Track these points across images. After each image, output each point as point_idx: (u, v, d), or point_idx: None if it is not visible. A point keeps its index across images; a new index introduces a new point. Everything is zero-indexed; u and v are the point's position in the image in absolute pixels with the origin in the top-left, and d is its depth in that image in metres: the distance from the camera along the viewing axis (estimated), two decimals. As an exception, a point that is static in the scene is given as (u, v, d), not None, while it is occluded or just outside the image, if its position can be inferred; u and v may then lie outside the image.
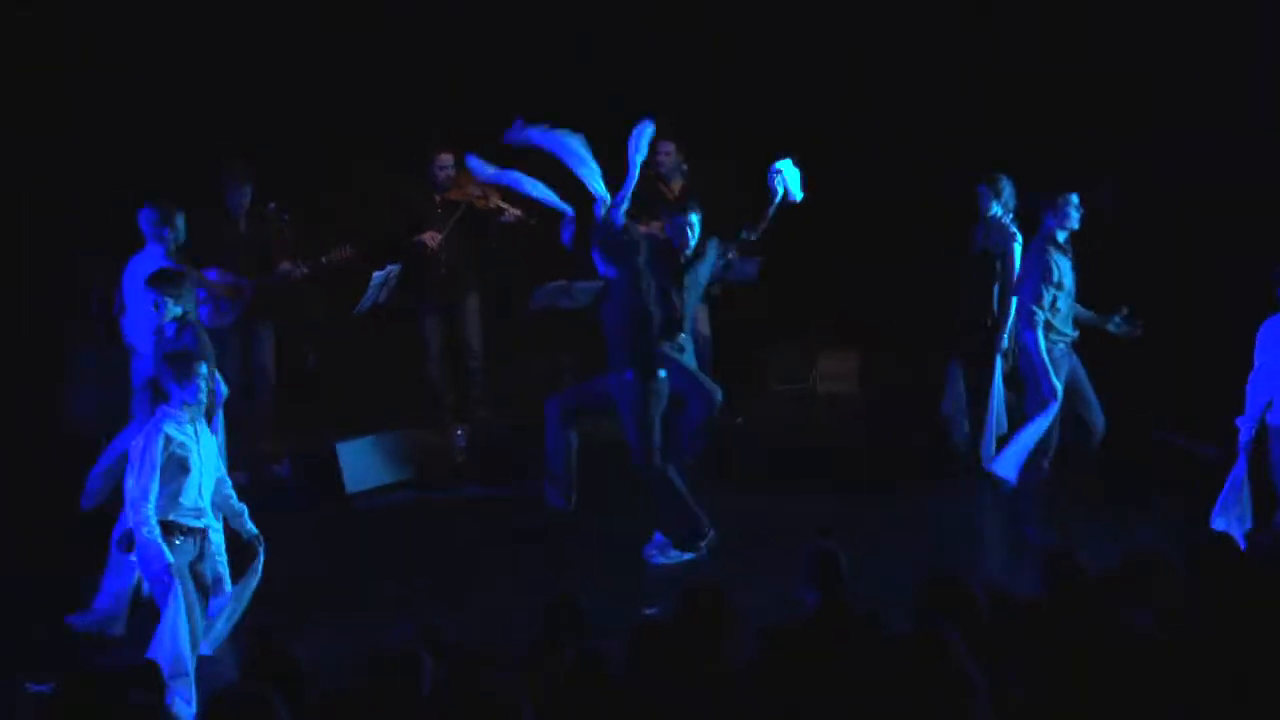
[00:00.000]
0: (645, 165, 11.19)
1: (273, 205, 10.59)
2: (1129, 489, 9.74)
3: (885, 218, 12.09)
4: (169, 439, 7.39)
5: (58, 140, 10.96)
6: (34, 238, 10.89)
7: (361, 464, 10.35)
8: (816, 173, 11.79)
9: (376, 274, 10.33)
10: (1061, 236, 9.19)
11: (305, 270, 10.53)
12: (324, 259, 10.51)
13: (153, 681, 6.24)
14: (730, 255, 10.85)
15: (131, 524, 7.42)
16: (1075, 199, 9.18)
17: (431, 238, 10.86)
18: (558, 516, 9.43)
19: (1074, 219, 9.19)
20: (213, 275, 10.42)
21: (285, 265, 10.50)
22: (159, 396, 7.51)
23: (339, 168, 11.41)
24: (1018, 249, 9.93)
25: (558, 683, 5.75)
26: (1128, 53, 11.50)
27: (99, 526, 9.53)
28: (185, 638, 7.32)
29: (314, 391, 11.24)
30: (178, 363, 7.51)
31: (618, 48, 12.03)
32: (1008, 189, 10.07)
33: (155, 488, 7.37)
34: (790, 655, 6.12)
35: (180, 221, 9.36)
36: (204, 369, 7.53)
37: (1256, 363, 8.48)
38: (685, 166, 11.33)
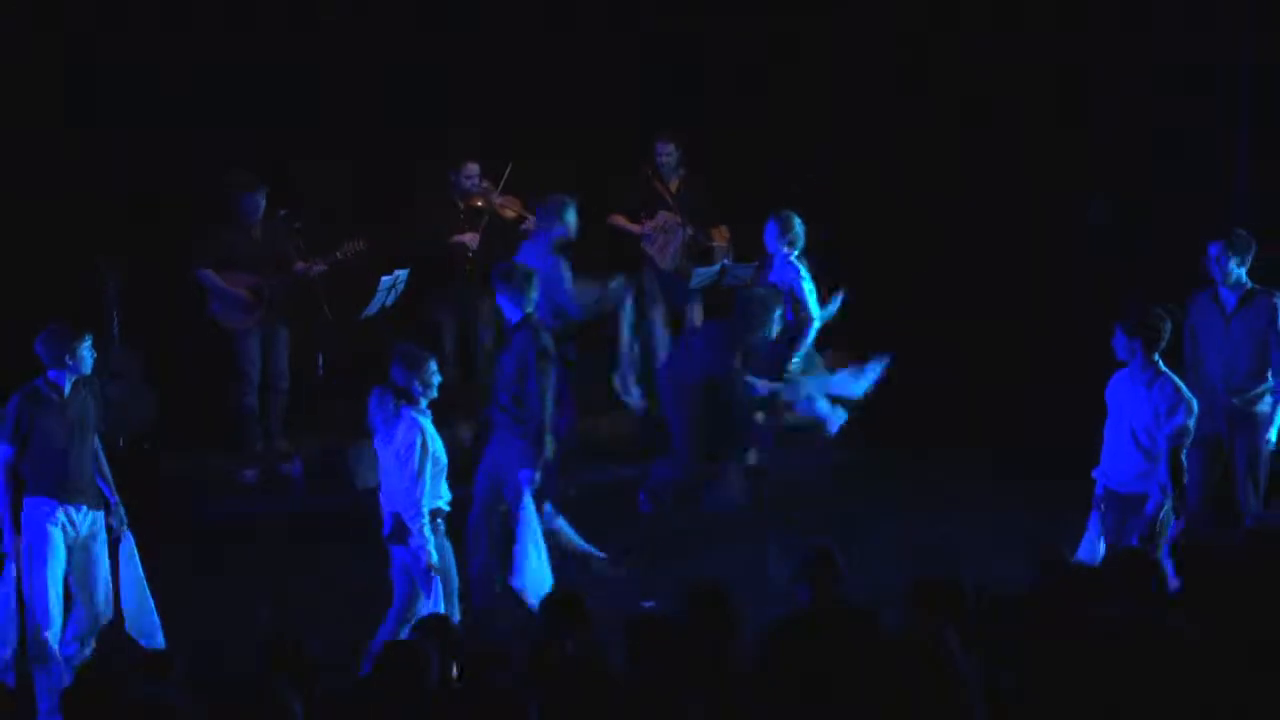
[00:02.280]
0: (644, 164, 11.48)
1: (283, 213, 10.76)
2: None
3: (882, 220, 12.23)
4: (424, 434, 7.63)
5: (68, 142, 11.04)
6: (43, 240, 10.93)
7: (370, 463, 10.41)
8: (813, 174, 12.04)
9: (384, 278, 10.45)
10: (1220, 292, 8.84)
11: (321, 268, 10.72)
12: (338, 254, 10.68)
13: (162, 672, 6.41)
14: (726, 260, 11.09)
15: (409, 522, 7.65)
16: (1211, 251, 8.80)
17: (471, 238, 11.06)
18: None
19: (1214, 273, 8.84)
20: (234, 279, 10.64)
21: (300, 265, 10.71)
22: (400, 395, 7.68)
23: (361, 173, 11.55)
24: (804, 286, 10.00)
25: (559, 676, 5.84)
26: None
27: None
28: None
29: (324, 392, 11.38)
30: (414, 361, 7.72)
31: (620, 55, 12.19)
32: (797, 226, 10.05)
33: (426, 484, 7.62)
34: (785, 650, 6.17)
35: (570, 216, 9.74)
36: (435, 364, 7.76)
37: (1110, 417, 8.09)
38: (683, 171, 11.53)
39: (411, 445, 7.60)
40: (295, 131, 11.45)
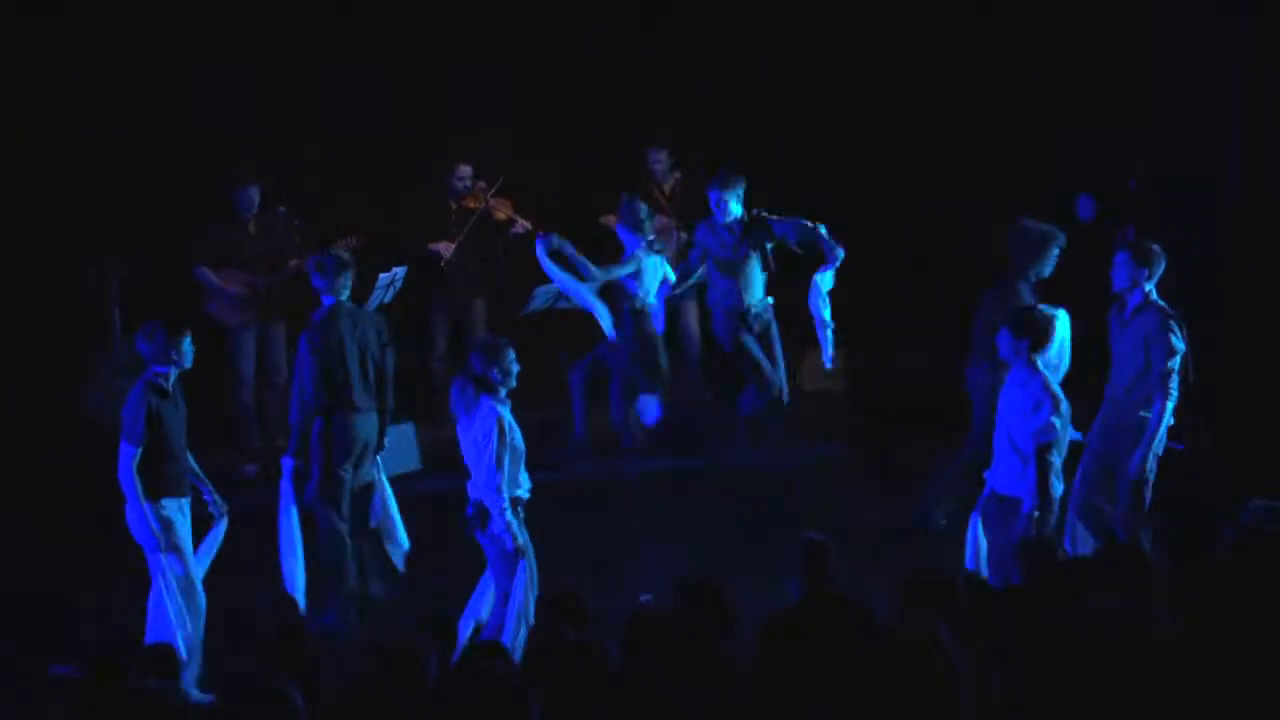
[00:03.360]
0: (640, 171, 11.57)
1: (282, 210, 10.81)
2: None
3: (871, 217, 12.26)
4: (503, 422, 7.68)
5: (68, 142, 11.11)
6: (44, 238, 11.02)
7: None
8: (804, 173, 12.09)
9: (382, 275, 10.44)
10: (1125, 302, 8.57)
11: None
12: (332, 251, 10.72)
13: (167, 666, 6.42)
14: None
15: (490, 507, 7.71)
16: (1116, 260, 8.59)
17: (445, 248, 11.11)
18: (554, 511, 9.63)
19: (1115, 282, 8.64)
20: (229, 276, 10.69)
21: (295, 262, 10.76)
22: (481, 385, 7.72)
23: (354, 173, 11.57)
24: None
25: (557, 671, 5.86)
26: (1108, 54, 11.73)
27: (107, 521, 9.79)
28: (530, 610, 7.68)
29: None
30: (492, 350, 7.77)
31: (617, 62, 12.23)
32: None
33: (506, 472, 7.68)
34: (778, 643, 6.15)
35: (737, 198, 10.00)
36: (513, 354, 7.81)
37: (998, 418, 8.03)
38: (678, 173, 11.62)
39: (489, 433, 7.63)
40: (293, 130, 11.48)
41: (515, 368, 7.77)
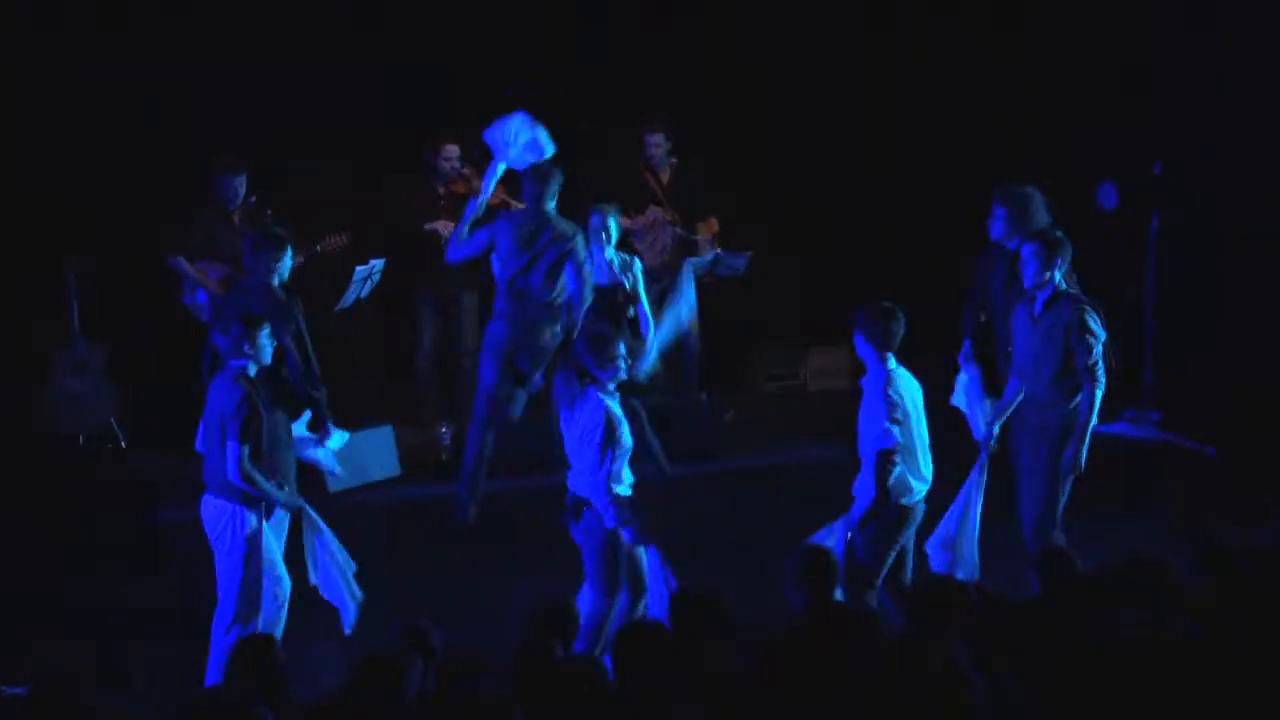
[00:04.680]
0: (636, 156, 11.28)
1: (253, 200, 10.58)
2: (1125, 488, 9.67)
3: (873, 213, 12.20)
4: (611, 415, 7.47)
5: (39, 139, 10.96)
6: (10, 236, 10.90)
7: (344, 463, 10.24)
8: (805, 169, 11.91)
9: (359, 269, 10.23)
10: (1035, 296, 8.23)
11: (300, 259, 10.47)
12: (319, 247, 10.47)
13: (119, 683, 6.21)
14: (718, 250, 10.93)
15: (599, 504, 7.46)
16: (1025, 252, 8.19)
17: (444, 225, 10.83)
18: (543, 515, 9.40)
19: (1025, 275, 8.23)
20: (207, 268, 10.46)
21: None
22: (588, 378, 7.50)
23: (338, 160, 11.36)
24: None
25: (547, 685, 5.75)
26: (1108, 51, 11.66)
27: (79, 524, 9.63)
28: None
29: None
30: (599, 341, 7.56)
31: (613, 40, 12.08)
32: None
33: (613, 466, 7.46)
34: (783, 657, 6.10)
35: None
36: (622, 346, 7.60)
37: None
38: (674, 160, 11.37)
39: (597, 426, 7.42)
40: (285, 127, 11.29)
41: (624, 361, 7.59)
